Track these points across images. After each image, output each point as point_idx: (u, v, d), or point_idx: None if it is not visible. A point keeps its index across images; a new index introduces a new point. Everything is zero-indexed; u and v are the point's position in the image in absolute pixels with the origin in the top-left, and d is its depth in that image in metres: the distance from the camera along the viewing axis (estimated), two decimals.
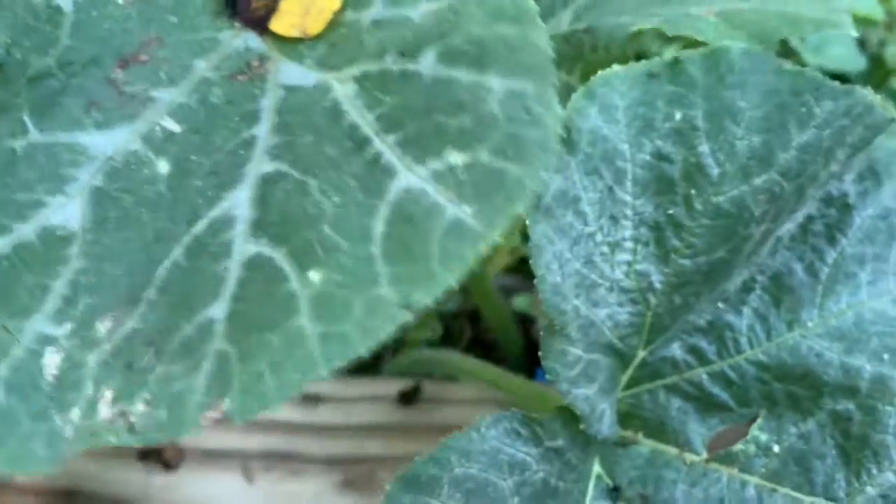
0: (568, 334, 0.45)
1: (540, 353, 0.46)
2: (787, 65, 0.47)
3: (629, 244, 0.48)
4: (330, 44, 0.41)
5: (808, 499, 0.49)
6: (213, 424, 0.34)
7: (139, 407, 0.35)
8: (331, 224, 0.36)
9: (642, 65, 0.46)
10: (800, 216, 0.51)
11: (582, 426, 0.47)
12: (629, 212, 0.47)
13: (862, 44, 0.93)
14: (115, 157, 0.39)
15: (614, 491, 0.51)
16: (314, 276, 0.35)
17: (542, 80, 0.36)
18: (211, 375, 0.35)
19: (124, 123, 0.40)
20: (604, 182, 0.47)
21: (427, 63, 0.38)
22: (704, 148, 0.47)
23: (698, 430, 0.52)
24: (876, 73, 0.91)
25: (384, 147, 0.37)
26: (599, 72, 0.46)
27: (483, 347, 0.78)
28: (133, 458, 0.65)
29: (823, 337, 0.51)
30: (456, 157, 0.35)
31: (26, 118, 0.40)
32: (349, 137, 0.38)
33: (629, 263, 0.48)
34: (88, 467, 0.64)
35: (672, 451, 0.52)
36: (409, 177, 0.36)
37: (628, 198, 0.47)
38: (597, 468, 0.51)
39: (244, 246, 0.37)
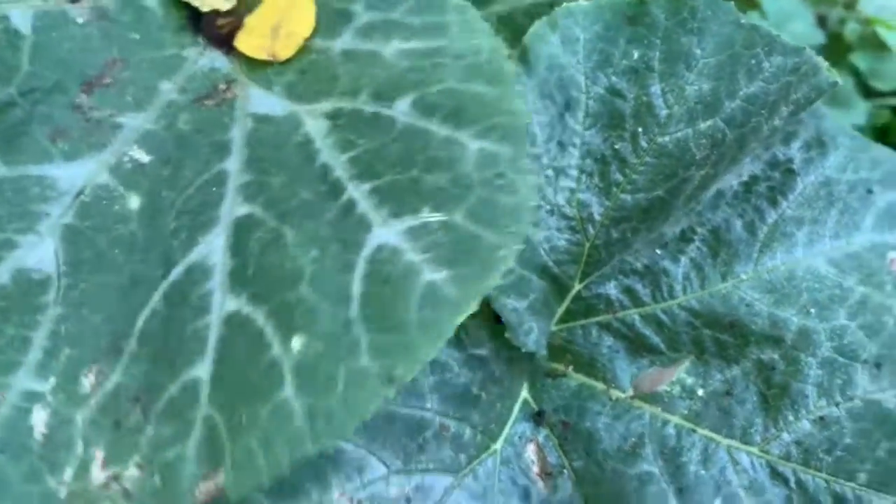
0: None
1: None
2: (745, 18, 0.50)
3: (574, 172, 0.50)
4: (300, 71, 0.40)
5: (724, 441, 0.51)
6: (208, 499, 0.33)
7: (132, 471, 0.34)
8: (309, 283, 0.34)
9: (608, 1, 0.49)
10: (744, 174, 0.53)
11: (507, 335, 0.49)
12: (577, 141, 0.49)
13: (822, 21, 0.98)
14: (85, 192, 0.37)
15: (539, 415, 0.52)
16: (296, 342, 0.33)
17: (516, 145, 0.35)
18: (201, 444, 0.33)
19: (92, 153, 0.38)
20: (556, 108, 0.49)
21: (401, 109, 0.37)
22: (656, 89, 0.49)
23: (626, 369, 0.53)
24: (835, 49, 0.96)
25: (358, 195, 0.35)
26: (565, 3, 0.49)
27: None
28: None
29: (755, 289, 0.52)
30: (431, 217, 0.34)
31: None
32: (322, 180, 0.36)
33: (572, 191, 0.50)
34: None
35: (599, 386, 0.53)
36: (385, 232, 0.34)
37: (578, 127, 0.49)
38: (525, 394, 0.53)
39: (223, 300, 0.35)
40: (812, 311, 0.52)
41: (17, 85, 0.38)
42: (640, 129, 0.49)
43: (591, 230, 0.51)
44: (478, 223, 0.33)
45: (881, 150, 0.55)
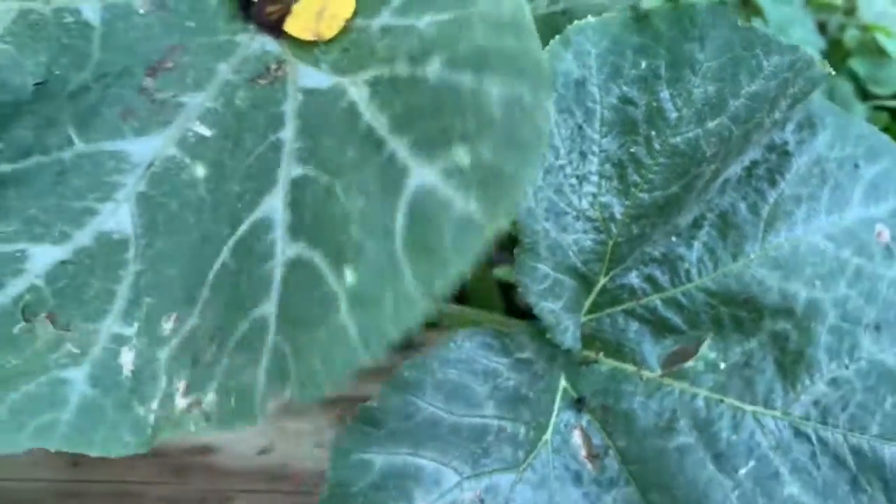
0: (538, 252, 0.51)
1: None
2: (742, 21, 0.53)
3: (595, 178, 0.54)
4: (343, 48, 0.44)
5: (749, 407, 0.56)
6: (277, 410, 0.37)
7: (211, 397, 0.38)
8: (357, 224, 0.38)
9: (614, 16, 0.52)
10: (746, 160, 0.58)
11: (548, 335, 0.53)
12: (596, 148, 0.53)
13: (822, 27, 1.01)
14: (155, 163, 0.41)
15: (579, 402, 0.56)
16: (349, 275, 0.38)
17: (537, 87, 0.38)
18: (270, 369, 0.38)
19: (160, 129, 0.42)
20: (574, 120, 0.52)
21: (433, 69, 0.40)
22: (665, 94, 0.53)
23: (653, 350, 0.58)
24: (835, 55, 1.00)
25: (398, 147, 0.39)
26: (575, 21, 0.52)
27: None
28: None
29: (764, 266, 0.57)
30: (462, 156, 0.37)
31: (71, 130, 0.41)
32: (366, 139, 0.40)
33: (594, 195, 0.54)
34: None
35: (630, 368, 0.58)
36: (422, 174, 0.38)
37: (596, 136, 0.53)
38: (563, 383, 0.57)
39: (285, 248, 0.39)
40: (817, 283, 0.56)
41: (90, 71, 0.42)
42: (652, 133, 0.53)
43: (613, 229, 0.55)
44: (501, 155, 0.37)
45: (864, 126, 0.60)
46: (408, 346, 0.74)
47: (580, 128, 0.53)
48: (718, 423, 0.56)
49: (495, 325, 0.67)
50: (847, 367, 0.55)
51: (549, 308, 0.53)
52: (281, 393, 0.37)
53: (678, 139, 0.53)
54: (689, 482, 0.54)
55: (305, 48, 0.44)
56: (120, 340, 0.40)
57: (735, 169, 0.57)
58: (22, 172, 0.40)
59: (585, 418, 0.56)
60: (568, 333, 0.55)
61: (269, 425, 0.69)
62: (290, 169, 0.41)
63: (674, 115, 0.53)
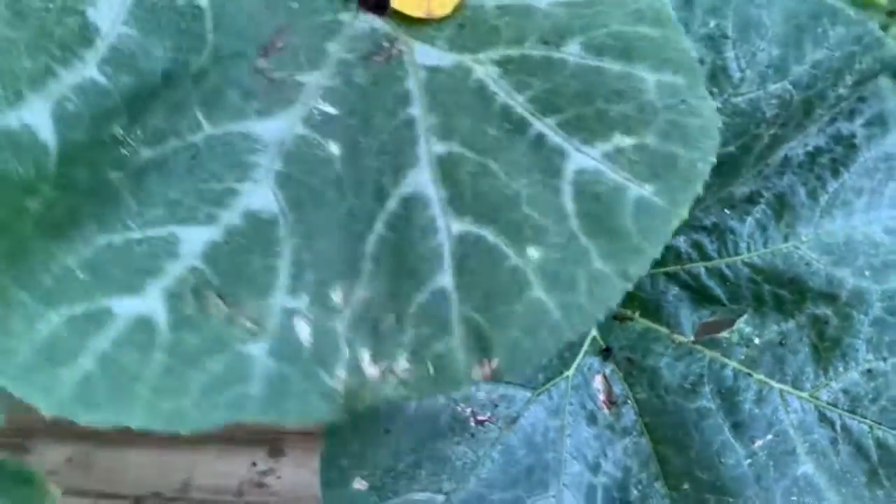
0: None
1: None
2: None
3: None
4: (458, 26, 0.44)
5: (777, 385, 0.55)
6: (483, 379, 0.38)
7: (403, 364, 0.38)
8: (527, 204, 0.38)
9: None
10: (810, 145, 0.58)
11: None
12: None
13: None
14: (287, 142, 0.41)
15: (606, 351, 0.57)
16: (532, 252, 0.38)
17: (692, 75, 0.39)
18: (466, 338, 0.38)
19: (284, 109, 0.42)
20: None
21: (571, 51, 0.40)
22: (731, 54, 0.54)
23: (689, 317, 0.58)
24: None
25: (545, 129, 0.39)
26: None
27: None
28: None
29: (814, 250, 0.57)
30: (623, 141, 0.38)
31: (199, 114, 0.41)
32: (506, 119, 0.40)
33: None
34: None
35: (663, 330, 0.58)
36: (581, 157, 0.38)
37: None
38: (594, 332, 0.58)
39: (449, 224, 0.39)
40: (867, 273, 0.56)
41: (207, 55, 0.42)
42: (715, 90, 0.54)
43: None
44: (671, 142, 0.38)
45: None
46: None
47: None
48: (743, 394, 0.55)
49: None
50: (885, 361, 0.54)
51: None
52: (487, 362, 0.38)
53: (739, 99, 0.54)
54: (704, 442, 0.53)
55: (416, 27, 0.44)
56: (293, 313, 0.39)
57: (797, 150, 0.58)
58: (160, 158, 0.40)
59: (609, 367, 0.57)
60: None
61: None
62: (430, 145, 0.41)
63: (737, 74, 0.54)
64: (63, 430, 0.89)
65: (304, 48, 0.43)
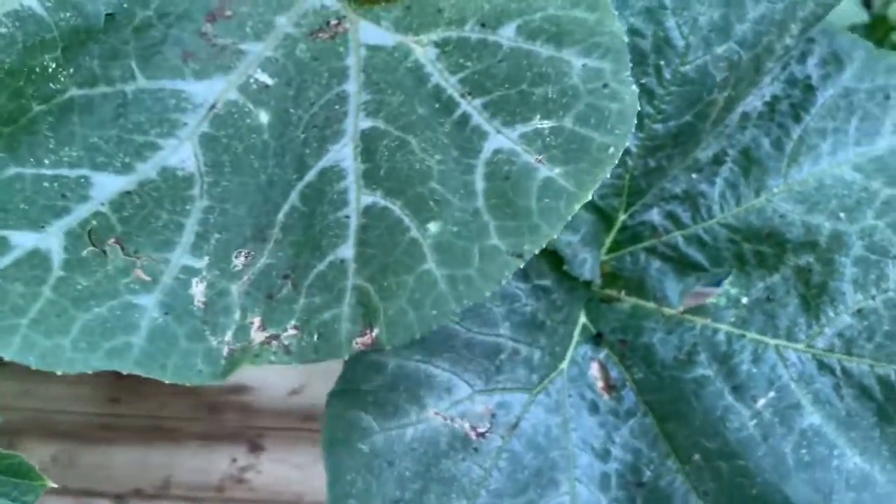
0: None
1: None
2: None
3: None
4: (405, 7, 0.45)
5: (772, 341, 0.55)
6: (363, 349, 0.39)
7: (290, 332, 0.40)
8: (437, 180, 0.40)
9: None
10: (766, 94, 0.57)
11: (565, 267, 0.54)
12: None
13: (868, 2, 1.01)
14: (217, 106, 0.42)
15: (597, 337, 0.57)
16: (432, 226, 0.39)
17: (618, 61, 0.40)
18: (354, 307, 0.40)
19: (220, 74, 0.42)
20: None
21: (506, 34, 0.41)
22: (671, 23, 0.53)
23: (675, 288, 0.58)
24: (879, 29, 0.99)
25: (471, 109, 0.40)
26: None
27: None
28: None
29: (787, 200, 0.56)
30: (542, 123, 0.39)
31: (134, 65, 0.42)
32: (435, 98, 0.41)
33: None
34: None
35: (651, 305, 0.58)
36: (500, 139, 0.39)
37: None
38: (583, 319, 0.58)
39: (360, 196, 0.41)
40: (842, 215, 0.55)
41: (154, 8, 0.42)
42: (661, 62, 0.53)
43: (629, 162, 0.55)
44: (587, 126, 0.39)
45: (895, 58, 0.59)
46: None
47: None
48: (739, 356, 0.55)
49: None
50: (874, 298, 0.54)
51: (565, 240, 0.54)
52: (369, 332, 0.39)
53: (687, 67, 0.53)
54: (707, 411, 0.54)
55: (366, 6, 0.45)
56: (190, 272, 0.40)
57: (754, 103, 0.57)
58: (87, 99, 0.41)
59: (603, 352, 0.57)
60: (586, 266, 0.55)
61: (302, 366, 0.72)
62: (357, 121, 0.42)
63: (681, 43, 0.53)
64: (48, 430, 0.91)
65: (252, 19, 0.44)
